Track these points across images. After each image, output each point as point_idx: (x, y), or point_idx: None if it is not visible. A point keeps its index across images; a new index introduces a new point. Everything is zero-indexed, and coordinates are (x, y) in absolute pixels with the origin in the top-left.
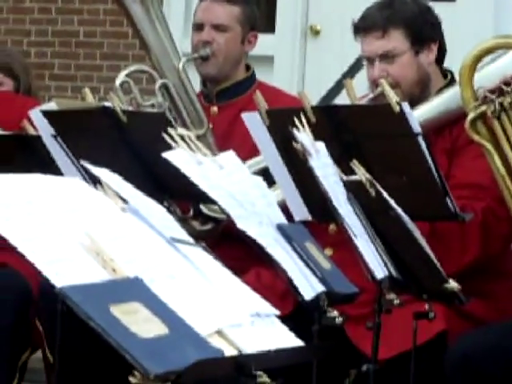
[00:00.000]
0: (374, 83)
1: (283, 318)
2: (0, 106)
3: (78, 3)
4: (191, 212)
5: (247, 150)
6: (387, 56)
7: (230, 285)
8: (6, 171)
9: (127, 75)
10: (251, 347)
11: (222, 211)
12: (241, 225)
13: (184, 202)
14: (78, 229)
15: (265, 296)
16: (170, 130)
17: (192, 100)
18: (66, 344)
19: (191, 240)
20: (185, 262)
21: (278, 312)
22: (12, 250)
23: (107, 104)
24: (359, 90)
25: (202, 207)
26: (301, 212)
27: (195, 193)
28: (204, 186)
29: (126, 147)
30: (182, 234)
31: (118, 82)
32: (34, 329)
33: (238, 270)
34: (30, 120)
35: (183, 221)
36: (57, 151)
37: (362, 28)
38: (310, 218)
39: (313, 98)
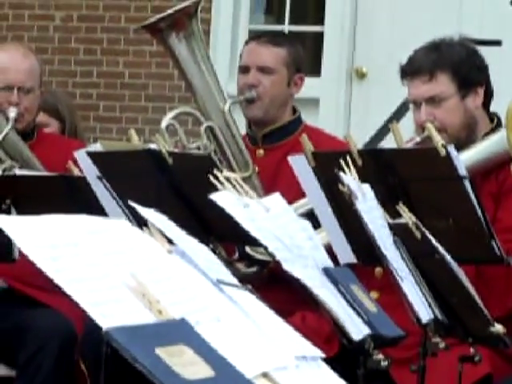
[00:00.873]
0: (421, 127)
1: (328, 361)
2: (46, 148)
3: (124, 45)
4: (236, 254)
5: (293, 193)
6: (434, 100)
7: (275, 327)
8: (51, 212)
9: (173, 117)
10: None
11: (269, 254)
12: (287, 267)
13: (229, 244)
14: (124, 270)
15: (310, 339)
16: (216, 171)
17: (238, 142)
18: None
19: (237, 282)
20: (231, 304)
21: (323, 355)
22: (56, 291)
23: (153, 146)
24: (405, 134)
25: (248, 249)
26: (346, 255)
27: (241, 235)
28: (250, 228)
29: (171, 189)
30: (228, 276)
31: (163, 124)
32: (78, 370)
33: (284, 313)
34: (75, 161)
35: (228, 263)
36: (102, 192)
37: (409, 71)
38: (355, 260)
39: (358, 140)
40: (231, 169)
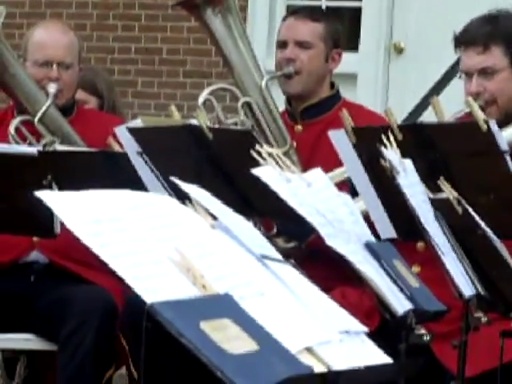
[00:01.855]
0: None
1: (368, 336)
2: (85, 123)
3: (161, 21)
4: (275, 230)
5: (331, 168)
6: (486, 72)
7: (319, 302)
8: (92, 187)
9: (210, 93)
10: (340, 364)
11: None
12: (330, 242)
13: (269, 219)
14: (168, 245)
15: (351, 314)
16: (258, 147)
17: (275, 118)
18: (151, 360)
19: (280, 257)
20: (274, 279)
21: (366, 329)
22: (98, 266)
23: (193, 121)
24: (445, 108)
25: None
26: (387, 230)
27: (282, 210)
28: (293, 203)
29: (211, 164)
30: (272, 251)
31: (200, 100)
32: (119, 345)
33: (323, 289)
34: (115, 137)
35: (267, 239)
36: (142, 168)
37: (463, 41)
38: (396, 236)
39: (396, 115)
40: (268, 144)
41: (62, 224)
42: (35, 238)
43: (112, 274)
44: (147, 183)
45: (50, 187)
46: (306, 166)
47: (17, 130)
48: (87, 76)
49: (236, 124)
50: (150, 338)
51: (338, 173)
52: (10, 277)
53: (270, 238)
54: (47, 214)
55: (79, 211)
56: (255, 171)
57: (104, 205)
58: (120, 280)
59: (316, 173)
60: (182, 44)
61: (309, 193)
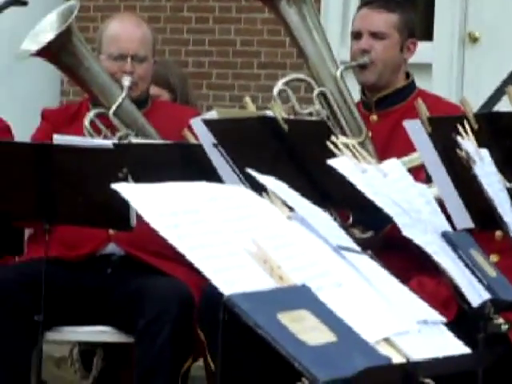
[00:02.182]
0: None
1: (446, 326)
2: (160, 115)
3: (235, 12)
4: (350, 220)
5: None
6: None
7: (396, 292)
8: (167, 180)
9: (285, 84)
10: (419, 355)
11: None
12: (407, 232)
13: (344, 210)
14: (245, 236)
15: (428, 303)
16: (333, 138)
17: (350, 108)
18: (228, 352)
19: (357, 248)
20: (351, 269)
21: (444, 319)
22: (175, 258)
23: (268, 113)
24: None
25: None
26: (464, 220)
27: (358, 201)
28: (369, 193)
29: (286, 156)
30: (348, 241)
31: (275, 90)
32: (196, 337)
33: (399, 279)
34: (190, 129)
35: (343, 229)
36: (218, 160)
37: None
38: (473, 226)
39: (471, 105)
40: (344, 134)
41: (138, 216)
42: (111, 231)
43: (189, 265)
44: (223, 175)
45: (125, 180)
46: (381, 156)
47: (91, 123)
48: (159, 70)
49: (311, 114)
50: (227, 330)
51: (414, 158)
52: (87, 269)
53: (346, 229)
54: (123, 207)
55: (156, 203)
56: (331, 162)
57: (181, 197)
58: (197, 272)
59: (392, 163)
60: (256, 35)
61: (385, 183)
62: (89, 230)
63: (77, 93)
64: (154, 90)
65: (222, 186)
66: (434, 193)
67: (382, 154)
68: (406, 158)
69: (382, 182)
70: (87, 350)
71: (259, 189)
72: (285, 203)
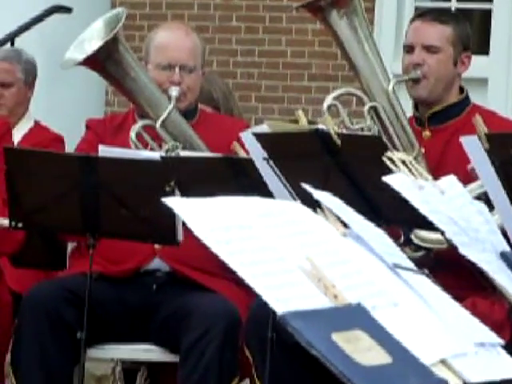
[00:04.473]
0: None
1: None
2: (209, 127)
3: (286, 23)
4: (402, 238)
5: (461, 175)
6: None
7: (453, 313)
8: (216, 194)
9: (335, 98)
10: (476, 377)
11: (445, 238)
12: (463, 251)
13: (396, 227)
14: (298, 254)
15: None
16: (390, 153)
17: (402, 123)
18: (275, 372)
19: (413, 266)
20: (407, 289)
21: (502, 341)
22: (220, 275)
23: (321, 126)
24: None
25: (413, 237)
26: None
27: (413, 218)
28: (426, 211)
29: (339, 171)
30: (404, 260)
31: (325, 104)
32: (243, 356)
33: (453, 298)
34: (240, 142)
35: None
36: (268, 174)
37: None
38: None
39: None
40: (396, 150)
41: (184, 231)
42: (157, 246)
43: (237, 282)
44: (273, 190)
45: (172, 193)
46: (434, 173)
47: (138, 135)
48: (202, 85)
49: (362, 129)
50: (274, 349)
51: (475, 186)
52: (132, 285)
53: (399, 246)
54: (170, 221)
55: (207, 218)
56: (387, 179)
57: (233, 212)
58: (245, 289)
59: (449, 180)
60: (307, 46)
61: (442, 200)
62: (134, 244)
63: (122, 103)
64: None
65: (275, 202)
66: (497, 220)
67: (435, 171)
68: (468, 188)
69: (439, 199)
70: (130, 368)
71: (312, 204)
72: (339, 219)
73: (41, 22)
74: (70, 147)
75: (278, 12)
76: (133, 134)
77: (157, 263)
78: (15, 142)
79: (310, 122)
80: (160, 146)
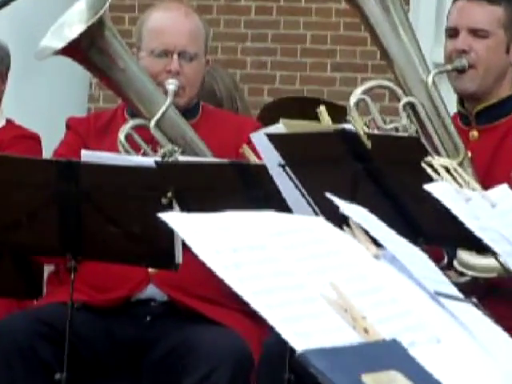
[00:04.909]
0: None
1: None
2: (212, 127)
3: (305, 2)
4: (445, 260)
5: None
6: None
7: (508, 350)
8: (222, 208)
9: (364, 91)
10: None
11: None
12: None
13: (438, 247)
14: (321, 279)
15: None
16: (430, 158)
17: (444, 122)
18: None
19: (459, 294)
20: (452, 321)
21: None
22: (227, 305)
23: (347, 126)
24: None
25: (456, 263)
26: None
27: (459, 236)
28: (474, 226)
29: (369, 179)
30: (448, 286)
31: (352, 100)
32: None
33: (505, 331)
34: (250, 144)
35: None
36: (284, 183)
37: None
38: None
39: None
40: (437, 154)
41: (184, 252)
42: (151, 270)
43: (249, 314)
44: (290, 202)
45: (170, 207)
46: (483, 181)
47: (128, 136)
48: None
49: (397, 130)
50: None
51: None
52: (122, 317)
53: (441, 270)
54: (167, 241)
55: (212, 237)
56: (428, 187)
57: (243, 229)
58: (259, 321)
59: (501, 190)
60: (329, 30)
61: (493, 215)
62: (123, 268)
63: (109, 98)
64: None
65: (293, 217)
66: None
67: (484, 179)
68: None
69: (490, 213)
70: None
71: (337, 220)
72: (370, 238)
73: (11, 2)
74: (46, 152)
75: None
76: (122, 136)
77: (151, 291)
78: None
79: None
80: (155, 151)
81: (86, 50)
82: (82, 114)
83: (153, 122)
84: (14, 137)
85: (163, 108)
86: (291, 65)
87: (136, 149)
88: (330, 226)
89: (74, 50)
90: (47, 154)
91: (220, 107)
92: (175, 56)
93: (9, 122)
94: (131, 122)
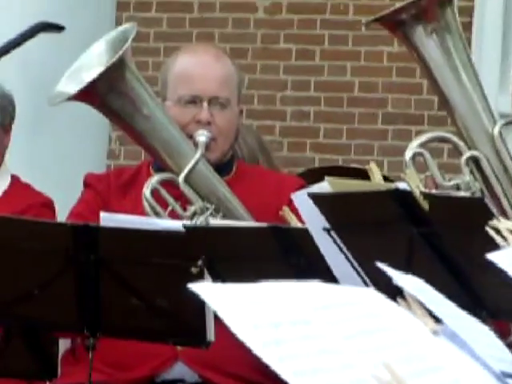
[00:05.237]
0: None
1: None
2: (249, 185)
3: (352, 44)
4: None
5: None
6: None
7: None
8: (260, 277)
9: (421, 145)
10: None
11: None
12: None
13: (506, 321)
14: (372, 358)
15: None
16: (495, 221)
17: None
18: None
19: None
20: None
21: None
22: None
23: (401, 185)
24: None
25: None
26: None
27: None
28: None
29: (426, 244)
30: None
31: (408, 154)
32: None
33: None
34: (291, 205)
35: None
36: (329, 249)
37: None
38: None
39: None
40: (505, 215)
41: (217, 327)
42: (179, 347)
43: None
44: (336, 271)
45: (201, 276)
46: None
47: (153, 192)
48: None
49: (458, 188)
50: None
51: None
52: None
53: (508, 348)
54: (197, 315)
55: (249, 310)
56: (492, 257)
57: (283, 302)
58: None
59: None
60: (380, 76)
61: None
62: (148, 344)
63: (131, 155)
64: None
65: (340, 288)
66: None
67: None
68: None
69: None
70: None
71: (391, 291)
72: (428, 312)
73: (23, 44)
74: (60, 216)
75: (342, 29)
76: (147, 191)
77: (179, 369)
78: None
79: (385, 179)
80: (184, 209)
81: (104, 94)
82: (101, 171)
83: (182, 177)
84: (21, 208)
85: (193, 161)
86: (337, 116)
87: (163, 206)
88: (382, 298)
89: (92, 94)
90: (61, 218)
91: None
92: (205, 104)
93: (15, 179)
94: (158, 176)
